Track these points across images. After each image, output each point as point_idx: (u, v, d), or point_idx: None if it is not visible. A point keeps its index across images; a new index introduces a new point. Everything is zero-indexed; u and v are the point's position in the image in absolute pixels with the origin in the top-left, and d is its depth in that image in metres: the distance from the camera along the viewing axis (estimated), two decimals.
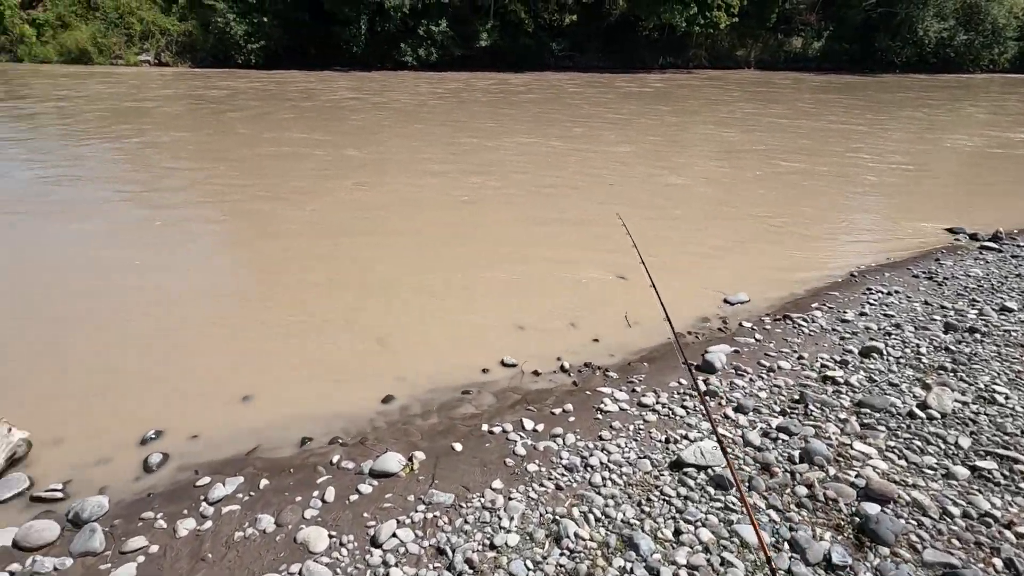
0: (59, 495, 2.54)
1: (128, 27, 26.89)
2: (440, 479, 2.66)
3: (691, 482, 2.53)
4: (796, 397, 3.24)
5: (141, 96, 16.39)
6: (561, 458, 2.78)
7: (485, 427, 3.08)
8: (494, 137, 11.54)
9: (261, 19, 26.34)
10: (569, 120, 14.29)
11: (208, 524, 2.40)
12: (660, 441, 2.88)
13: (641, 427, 3.03)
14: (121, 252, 5.34)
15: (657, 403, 3.25)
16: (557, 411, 3.21)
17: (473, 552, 2.18)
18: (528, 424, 3.08)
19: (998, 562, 2.06)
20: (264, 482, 2.65)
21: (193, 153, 9.58)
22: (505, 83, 23.52)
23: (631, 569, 2.08)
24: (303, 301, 4.50)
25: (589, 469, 2.67)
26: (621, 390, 3.40)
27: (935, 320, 4.21)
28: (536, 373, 3.64)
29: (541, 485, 2.57)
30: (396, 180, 8.07)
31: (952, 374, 3.42)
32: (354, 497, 2.55)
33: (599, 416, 3.15)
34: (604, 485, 2.56)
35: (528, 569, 2.11)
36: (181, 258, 5.36)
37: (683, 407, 3.21)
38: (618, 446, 2.84)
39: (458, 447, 2.90)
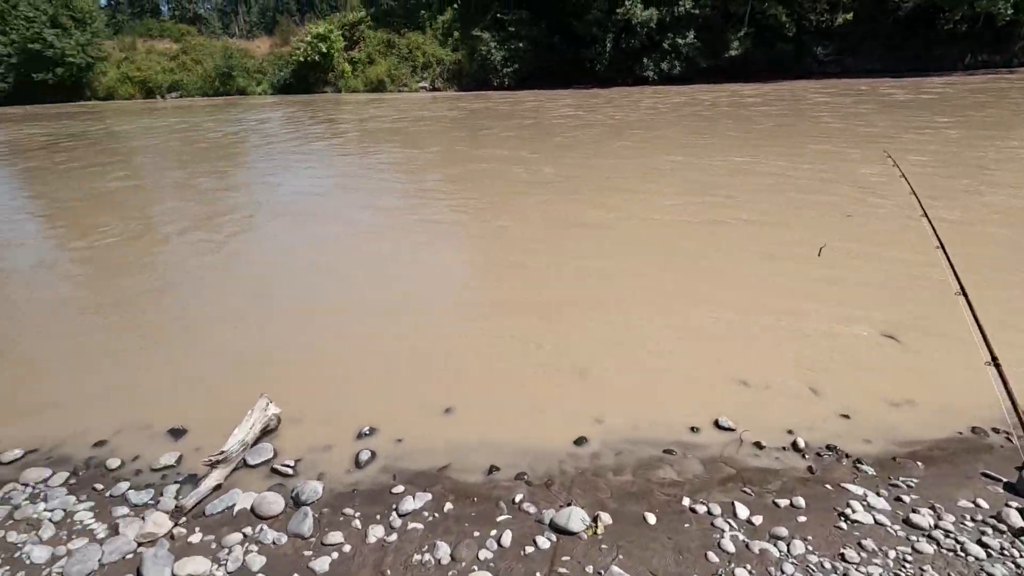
0: (290, 471, 2.90)
1: (414, 60, 31.94)
2: (625, 555, 2.31)
3: None
4: None
5: (407, 117, 19.27)
6: (783, 572, 2.18)
7: (687, 501, 2.61)
8: (704, 155, 10.54)
9: (517, 45, 28.76)
10: (805, 135, 12.35)
11: (394, 537, 2.46)
12: None
13: (908, 559, 2.22)
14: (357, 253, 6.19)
15: (936, 527, 2.37)
16: (783, 503, 2.57)
17: None
18: (742, 511, 2.52)
19: None
20: (449, 505, 2.64)
21: (414, 168, 10.85)
22: (737, 94, 21.53)
23: None
24: (505, 321, 4.54)
25: None
26: (879, 494, 2.58)
27: None
28: (758, 445, 3.01)
29: None
30: (584, 198, 7.86)
31: None
32: (530, 549, 2.37)
33: (842, 525, 2.42)
34: None
35: None
36: (394, 270, 5.95)
37: (982, 544, 2.27)
38: None
39: (651, 519, 2.51)
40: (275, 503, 2.64)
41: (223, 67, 32.48)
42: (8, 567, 2.35)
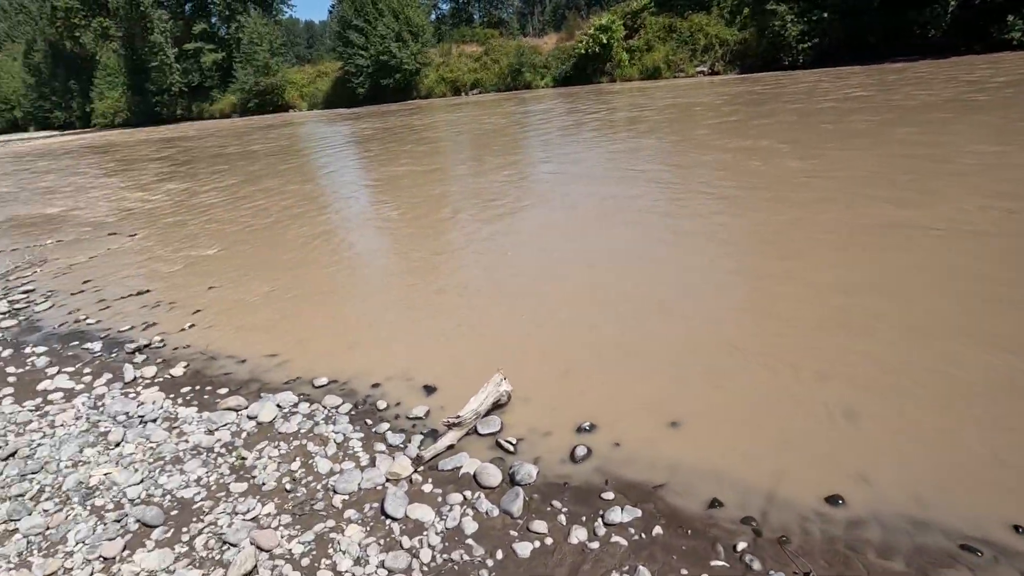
0: (511, 448, 3.06)
1: (694, 43, 30.50)
2: None
3: None
4: None
5: (670, 103, 18.38)
6: None
7: None
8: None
9: (821, 15, 24.98)
10: None
11: (595, 545, 2.38)
12: None
13: None
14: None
15: None
16: None
17: None
18: None
19: None
20: (658, 530, 2.43)
21: (661, 157, 10.06)
22: None
23: None
24: (774, 339, 3.95)
25: None
26: None
27: None
28: None
29: None
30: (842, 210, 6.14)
31: None
32: None
33: None
34: None
35: None
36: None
37: None
38: None
39: None
40: (494, 476, 2.82)
41: (515, 64, 36.07)
42: (304, 469, 3.03)
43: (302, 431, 3.37)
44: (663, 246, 6.03)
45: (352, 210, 9.53)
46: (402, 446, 3.16)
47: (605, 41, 31.84)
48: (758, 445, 2.90)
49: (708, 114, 15.34)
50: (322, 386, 3.92)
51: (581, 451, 2.98)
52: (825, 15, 24.91)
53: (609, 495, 2.66)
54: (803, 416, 3.08)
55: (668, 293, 4.85)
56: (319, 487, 2.87)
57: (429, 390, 3.73)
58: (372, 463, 3.01)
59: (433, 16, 64.95)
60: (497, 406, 3.38)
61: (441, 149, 15.25)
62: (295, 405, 3.65)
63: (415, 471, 2.93)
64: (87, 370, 4.47)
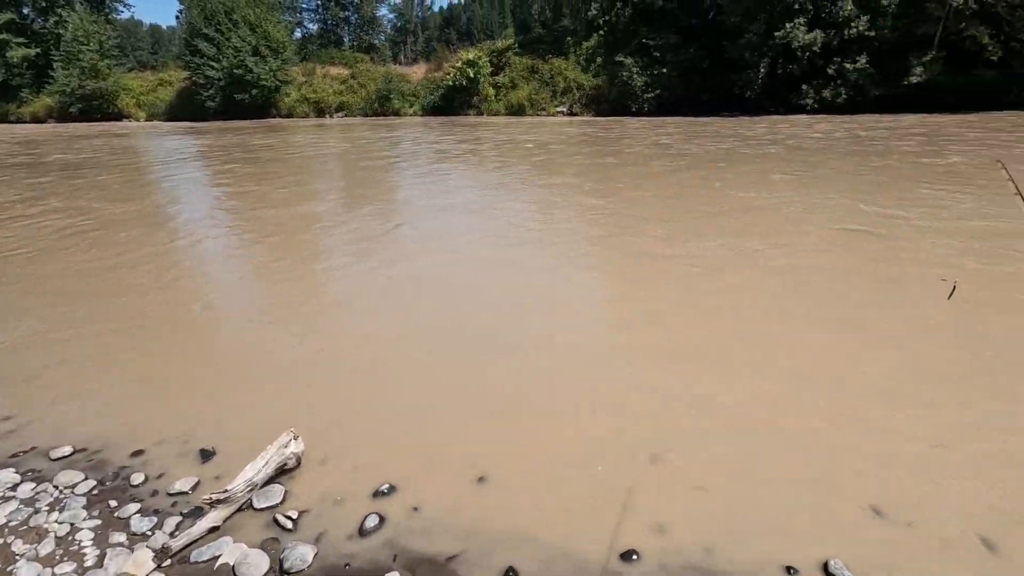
0: (290, 525, 2.59)
1: (555, 85, 32.38)
2: None
3: None
4: None
5: (527, 138, 19.28)
6: None
7: None
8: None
9: (661, 71, 27.84)
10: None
11: None
12: None
13: None
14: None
15: None
16: None
17: None
18: None
19: None
20: None
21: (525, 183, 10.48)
22: (900, 125, 18.39)
23: None
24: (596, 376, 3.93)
25: None
26: None
27: None
28: None
29: None
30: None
31: None
32: None
33: None
34: None
35: None
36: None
37: None
38: None
39: None
40: (258, 565, 2.34)
41: (383, 90, 35.56)
42: None
43: (11, 524, 2.60)
44: (485, 278, 5.97)
45: (143, 240, 8.36)
46: (150, 532, 2.55)
47: (472, 75, 32.67)
48: (564, 499, 2.76)
49: (536, 151, 16.17)
50: (62, 458, 3.12)
51: (372, 521, 2.60)
52: (665, 71, 27.92)
53: None
54: (609, 461, 3.01)
55: (485, 333, 4.71)
56: None
57: (206, 455, 3.13)
58: (100, 562, 2.37)
59: (298, 34, 62.26)
60: (284, 471, 2.90)
61: (271, 171, 14.25)
62: (13, 487, 2.84)
63: (157, 567, 2.35)
64: None
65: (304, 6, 65.49)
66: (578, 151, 16.45)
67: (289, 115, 36.90)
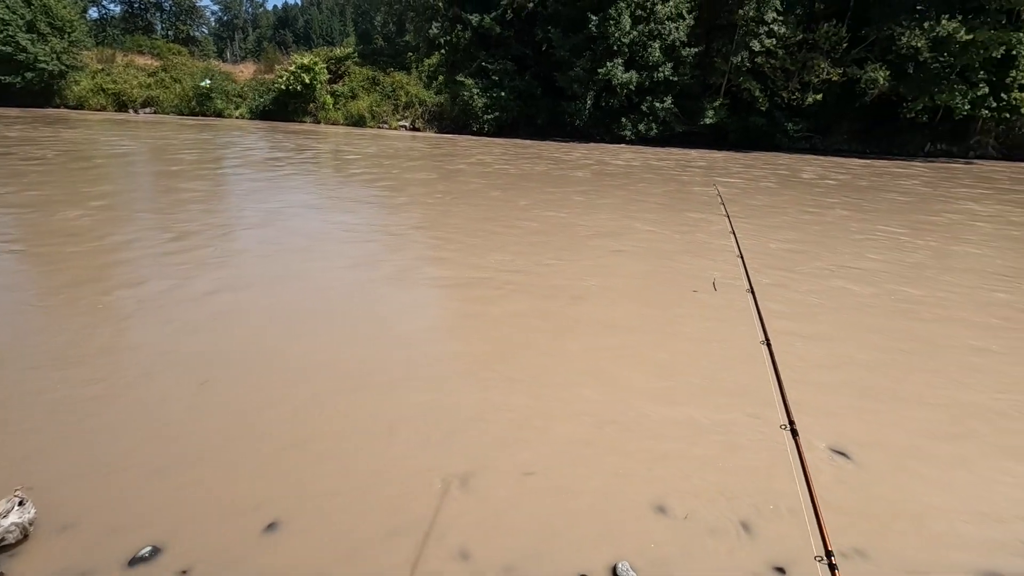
0: None
1: (397, 99, 32.04)
2: None
3: None
4: None
5: (374, 151, 18.91)
6: None
7: None
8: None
9: (499, 94, 29.06)
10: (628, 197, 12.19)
11: None
12: None
13: None
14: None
15: None
16: None
17: None
18: None
19: None
20: None
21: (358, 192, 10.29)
22: (686, 158, 21.79)
23: None
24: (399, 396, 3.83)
25: None
26: None
27: None
28: None
29: None
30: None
31: None
32: None
33: None
34: None
35: None
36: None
37: None
38: None
39: None
40: None
41: (203, 87, 32.03)
42: None
43: None
44: (267, 298, 5.61)
45: None
46: None
47: (308, 81, 30.96)
48: (362, 534, 2.61)
49: (359, 161, 15.99)
50: None
51: None
52: (503, 94, 29.23)
53: None
54: (408, 488, 2.94)
55: (270, 358, 4.39)
56: None
57: None
58: None
59: (94, 14, 53.57)
60: (3, 548, 2.33)
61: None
62: None
63: None
64: None
65: None
66: (395, 166, 16.37)
67: (79, 106, 31.44)
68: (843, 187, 15.98)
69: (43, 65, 29.65)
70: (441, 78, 31.81)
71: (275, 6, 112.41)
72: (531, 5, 29.43)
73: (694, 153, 24.91)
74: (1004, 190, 17.00)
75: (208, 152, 16.80)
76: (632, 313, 5.47)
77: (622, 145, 27.78)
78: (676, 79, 27.76)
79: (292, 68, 31.12)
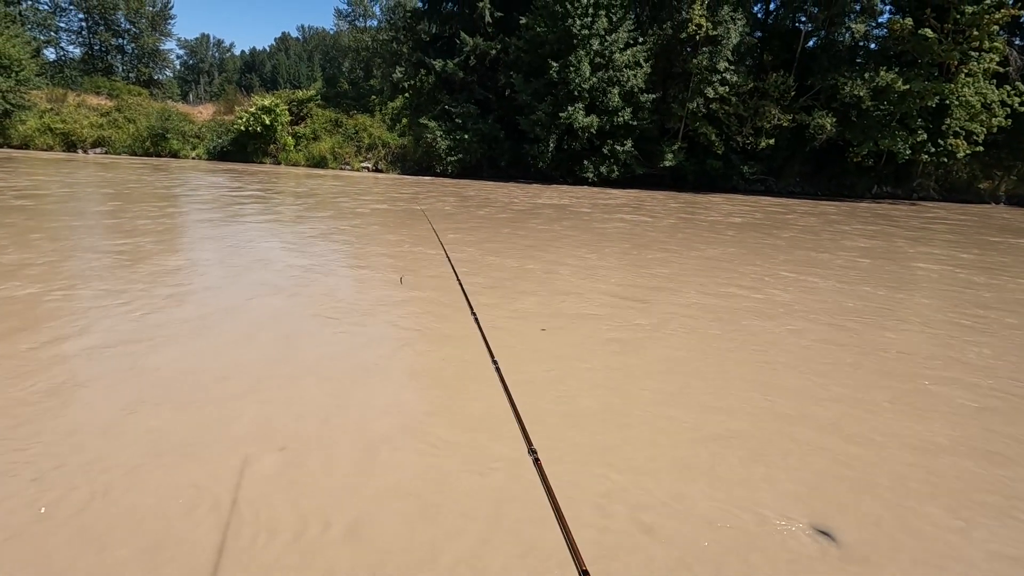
0: None
1: (359, 141, 31.92)
2: None
3: None
4: None
5: (335, 191, 18.46)
6: None
7: None
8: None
9: (463, 136, 29.24)
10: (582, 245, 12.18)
11: None
12: None
13: None
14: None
15: None
16: None
17: None
18: None
19: None
20: None
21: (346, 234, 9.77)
22: (641, 201, 22.12)
23: None
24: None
25: None
26: None
27: None
28: None
29: None
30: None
31: None
32: None
33: None
34: None
35: None
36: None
37: None
38: None
39: None
40: None
41: (157, 128, 31.30)
42: None
43: None
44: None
45: None
46: None
47: (268, 122, 30.62)
48: None
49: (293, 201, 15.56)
50: None
51: None
52: (466, 136, 29.43)
53: None
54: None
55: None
56: None
57: None
58: None
59: (51, 55, 52.61)
60: None
61: None
62: None
63: None
64: None
65: (62, 25, 55.95)
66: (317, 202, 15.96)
67: (24, 146, 30.22)
68: (738, 226, 16.24)
69: None
70: (405, 121, 31.93)
71: (242, 51, 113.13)
72: (493, 52, 30.11)
73: (627, 193, 25.30)
74: (884, 230, 17.55)
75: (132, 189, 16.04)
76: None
77: (583, 187, 28.10)
78: (635, 123, 28.49)
79: (252, 109, 30.78)
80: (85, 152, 30.77)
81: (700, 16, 26.95)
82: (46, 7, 52.61)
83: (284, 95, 34.23)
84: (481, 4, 29.87)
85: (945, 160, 29.16)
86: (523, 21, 28.50)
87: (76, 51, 56.59)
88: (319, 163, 31.12)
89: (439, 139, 29.19)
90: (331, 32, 75.32)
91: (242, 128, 30.69)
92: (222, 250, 8.70)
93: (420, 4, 34.55)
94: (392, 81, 33.66)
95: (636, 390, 4.26)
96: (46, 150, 30.39)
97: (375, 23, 60.10)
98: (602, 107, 27.89)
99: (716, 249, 11.14)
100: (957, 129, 27.99)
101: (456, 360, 4.70)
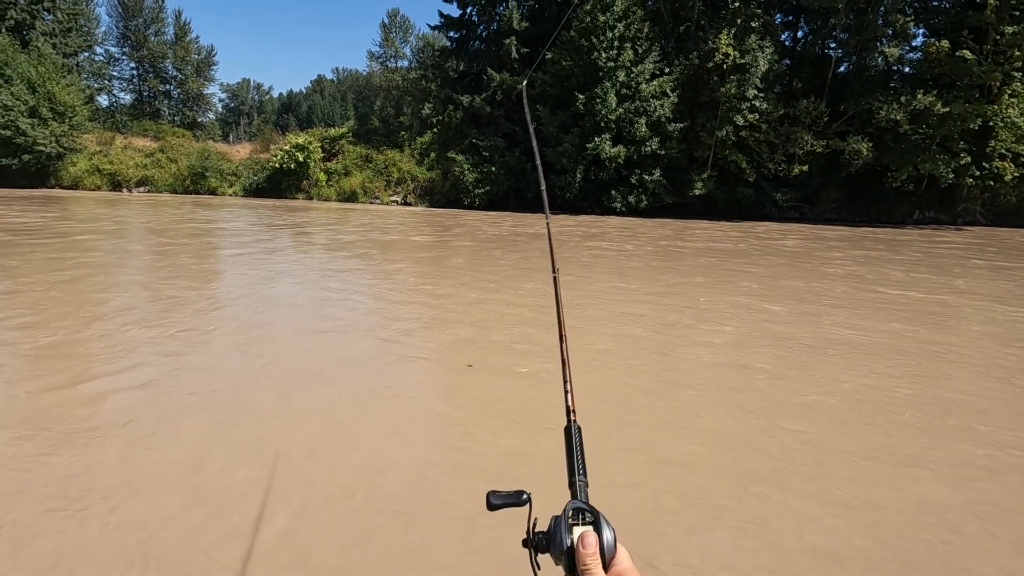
0: None
1: (389, 175, 32.52)
2: None
3: None
4: None
5: (357, 226, 18.62)
6: None
7: None
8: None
9: (490, 168, 29.50)
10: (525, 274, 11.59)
11: None
12: None
13: None
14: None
15: None
16: None
17: None
18: None
19: None
20: None
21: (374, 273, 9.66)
22: (673, 230, 21.60)
23: None
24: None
25: None
26: None
27: None
28: None
29: None
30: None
31: None
32: None
33: None
34: None
35: None
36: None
37: None
38: None
39: None
40: None
41: (197, 167, 32.56)
42: None
43: None
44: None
45: None
46: None
47: (302, 159, 31.53)
48: None
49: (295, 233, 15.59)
50: None
51: None
52: (494, 169, 29.68)
53: None
54: None
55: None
56: None
57: None
58: None
59: (104, 102, 55.99)
60: None
61: None
62: None
63: None
64: None
65: (115, 74, 59.60)
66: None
67: (75, 186, 31.77)
68: (714, 252, 15.54)
69: (41, 148, 30.22)
70: (433, 155, 32.47)
71: (280, 93, 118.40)
72: (520, 86, 30.52)
73: (646, 223, 24.85)
74: (880, 256, 16.49)
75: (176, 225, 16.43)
76: None
77: (611, 216, 27.84)
78: (663, 152, 28.27)
79: (287, 147, 31.80)
80: (129, 191, 32.15)
81: (727, 45, 26.86)
82: (101, 58, 56.32)
83: (317, 133, 35.34)
84: (508, 41, 30.49)
85: (992, 183, 27.94)
86: (549, 56, 28.91)
87: (127, 97, 60.19)
88: (349, 197, 31.78)
89: (467, 172, 29.50)
90: (364, 73, 78.21)
91: (277, 165, 31.68)
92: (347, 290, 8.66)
93: (448, 43, 35.53)
94: (421, 117, 34.41)
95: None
96: (94, 190, 31.86)
97: (405, 63, 62.24)
98: (629, 137, 27.80)
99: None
100: (1003, 151, 26.87)
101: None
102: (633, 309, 7.70)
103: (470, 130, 31.55)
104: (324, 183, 32.42)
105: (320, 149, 32.73)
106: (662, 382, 4.96)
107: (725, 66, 27.19)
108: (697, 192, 28.87)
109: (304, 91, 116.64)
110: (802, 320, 7.32)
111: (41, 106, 30.60)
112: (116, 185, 32.39)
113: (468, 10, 33.13)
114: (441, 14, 33.71)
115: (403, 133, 35.65)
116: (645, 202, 28.62)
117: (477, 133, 31.07)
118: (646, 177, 28.26)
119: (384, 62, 68.20)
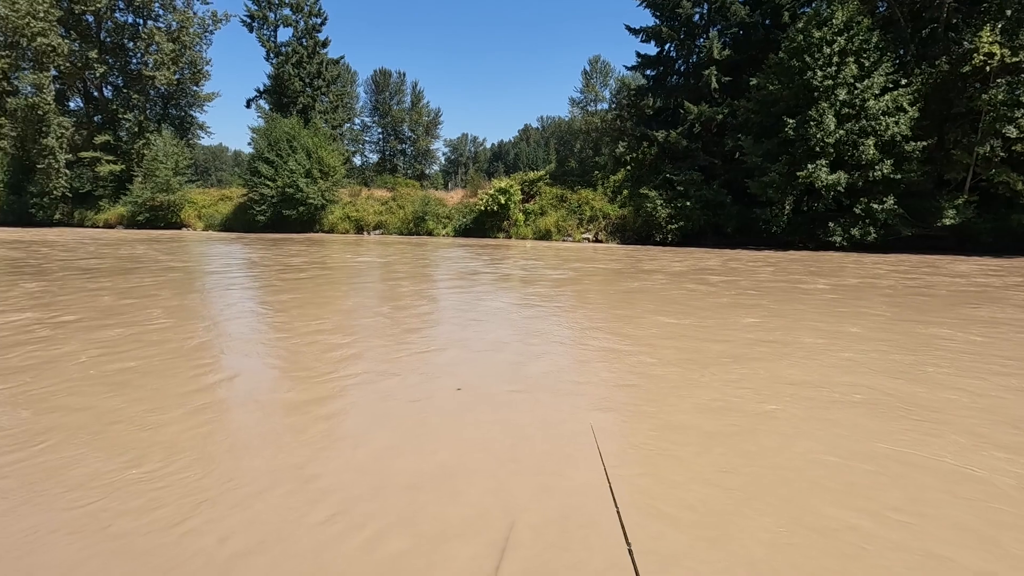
0: None
1: (581, 213, 33.43)
2: None
3: None
4: None
5: (556, 263, 19.25)
6: None
7: None
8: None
9: (684, 203, 28.42)
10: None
11: None
12: None
13: None
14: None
15: None
16: None
17: None
18: None
19: None
20: None
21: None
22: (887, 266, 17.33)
23: None
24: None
25: None
26: None
27: None
28: None
29: None
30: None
31: None
32: None
33: None
34: None
35: None
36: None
37: None
38: None
39: None
40: None
41: (420, 212, 37.61)
42: None
43: None
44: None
45: None
46: None
47: (503, 202, 34.26)
48: None
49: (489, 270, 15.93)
50: None
51: None
52: (688, 203, 28.46)
53: None
54: None
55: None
56: None
57: None
58: None
59: (358, 161, 68.74)
60: None
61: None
62: None
63: None
64: None
65: (367, 139, 72.90)
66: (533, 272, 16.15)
67: (331, 230, 39.21)
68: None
69: (312, 201, 38.13)
70: (625, 192, 32.50)
71: (492, 144, 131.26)
72: (719, 117, 29.07)
73: (881, 259, 20.49)
74: None
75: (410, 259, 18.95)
76: None
77: (828, 251, 24.33)
78: (899, 176, 24.00)
79: (491, 191, 34.91)
80: (368, 233, 38.50)
81: (990, 43, 22.00)
82: (358, 126, 69.43)
83: (518, 177, 38.11)
84: (707, 72, 29.40)
85: None
86: (754, 82, 27.06)
87: (374, 156, 73.01)
88: (544, 236, 33.39)
89: (659, 208, 28.83)
90: (566, 119, 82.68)
91: (482, 208, 34.93)
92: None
93: (645, 82, 35.64)
94: (615, 155, 34.86)
95: None
96: (343, 233, 38.92)
97: (604, 106, 64.05)
98: (852, 161, 24.29)
99: None
100: None
101: None
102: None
103: (664, 165, 30.90)
104: (522, 223, 34.66)
105: (520, 191, 35.19)
106: None
107: (988, 68, 22.27)
108: (947, 222, 23.76)
109: (512, 140, 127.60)
110: None
111: (314, 168, 38.73)
112: (359, 228, 39.10)
113: (666, 46, 32.91)
114: (638, 54, 34.08)
115: (596, 172, 36.45)
116: (873, 235, 24.49)
117: (672, 168, 30.27)
118: (875, 206, 24.23)
119: (584, 107, 71.22)
